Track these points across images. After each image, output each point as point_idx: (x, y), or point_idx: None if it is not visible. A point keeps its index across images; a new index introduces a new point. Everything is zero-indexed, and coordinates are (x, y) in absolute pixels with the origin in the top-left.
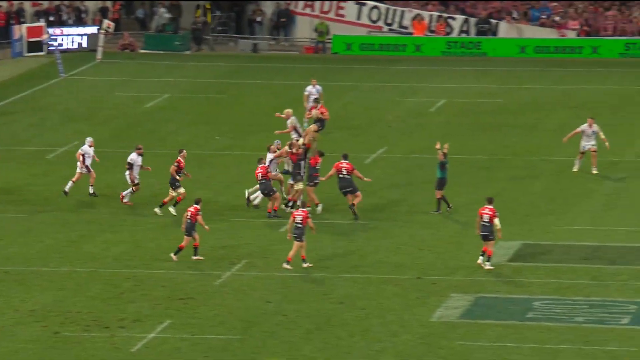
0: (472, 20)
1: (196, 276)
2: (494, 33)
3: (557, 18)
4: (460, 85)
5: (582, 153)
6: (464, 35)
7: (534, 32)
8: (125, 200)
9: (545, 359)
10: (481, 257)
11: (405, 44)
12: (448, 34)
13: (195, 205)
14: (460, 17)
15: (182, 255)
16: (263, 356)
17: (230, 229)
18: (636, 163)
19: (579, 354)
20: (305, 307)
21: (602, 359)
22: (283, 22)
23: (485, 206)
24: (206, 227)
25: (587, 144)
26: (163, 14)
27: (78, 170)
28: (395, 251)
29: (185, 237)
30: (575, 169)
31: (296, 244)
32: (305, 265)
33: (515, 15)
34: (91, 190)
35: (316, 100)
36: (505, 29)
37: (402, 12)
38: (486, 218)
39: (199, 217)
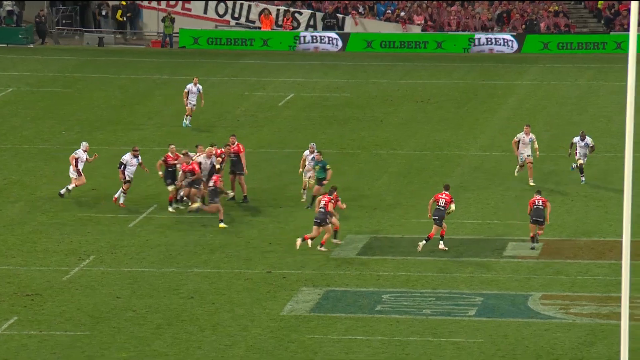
0: (319, 15)
1: (43, 272)
2: (341, 28)
3: (402, 13)
4: (308, 79)
5: (521, 166)
6: (311, 29)
7: (379, 27)
8: (120, 202)
9: (394, 351)
10: (423, 242)
11: (253, 38)
12: (295, 28)
13: (328, 196)
14: (307, 12)
15: (31, 250)
16: (112, 352)
17: (78, 224)
18: (481, 157)
19: (427, 345)
20: (155, 302)
21: (449, 350)
22: (129, 16)
23: (443, 191)
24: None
25: (524, 153)
26: (7, 6)
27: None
28: (245, 245)
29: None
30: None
31: (316, 228)
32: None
33: (361, 10)
34: (63, 190)
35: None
36: (351, 24)
37: (249, 6)
38: (442, 202)
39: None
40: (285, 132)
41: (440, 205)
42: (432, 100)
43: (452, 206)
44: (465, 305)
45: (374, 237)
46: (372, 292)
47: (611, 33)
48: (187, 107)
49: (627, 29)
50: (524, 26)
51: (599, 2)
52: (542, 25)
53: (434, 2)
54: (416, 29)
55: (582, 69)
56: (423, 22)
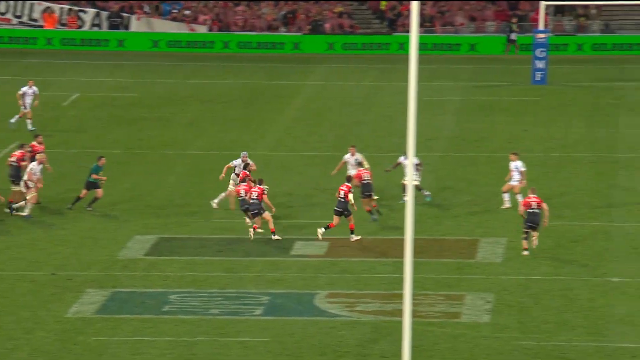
0: (104, 14)
1: None
2: (126, 27)
3: (187, 12)
4: (94, 79)
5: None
6: (95, 29)
7: (166, 26)
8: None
9: (182, 352)
10: (323, 229)
11: (36, 37)
12: (80, 27)
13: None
14: (91, 11)
15: None
16: None
17: None
18: (268, 156)
19: (214, 345)
20: None
21: (236, 350)
22: None
23: (345, 184)
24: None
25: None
26: None
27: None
28: (30, 247)
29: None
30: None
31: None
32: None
33: (146, 9)
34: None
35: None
36: (137, 23)
37: (32, 4)
38: (342, 194)
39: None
40: (71, 132)
41: (340, 197)
42: (219, 100)
43: (351, 197)
44: (252, 304)
45: (162, 238)
46: (160, 293)
47: (394, 34)
48: (22, 109)
49: (409, 30)
50: (309, 27)
51: (382, 3)
52: (326, 26)
53: (220, 2)
54: (202, 29)
55: (366, 69)
56: (209, 21)
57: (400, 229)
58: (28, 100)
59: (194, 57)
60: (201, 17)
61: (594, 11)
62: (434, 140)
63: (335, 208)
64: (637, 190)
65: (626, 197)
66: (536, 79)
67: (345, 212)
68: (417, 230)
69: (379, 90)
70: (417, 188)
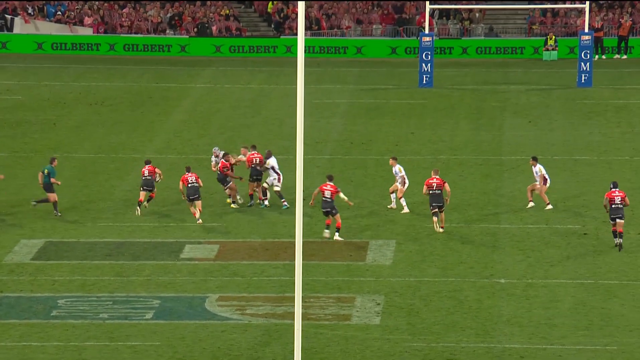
0: None
1: None
2: (10, 29)
3: (72, 14)
4: None
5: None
6: None
7: (50, 29)
8: None
9: (71, 357)
10: (326, 231)
11: None
12: None
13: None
14: None
15: None
16: None
17: None
18: (157, 159)
19: (104, 350)
20: None
21: (126, 354)
22: None
23: (327, 183)
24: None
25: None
26: None
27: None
28: None
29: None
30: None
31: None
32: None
33: (30, 11)
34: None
35: None
36: (20, 25)
37: None
38: (327, 194)
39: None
40: None
41: (326, 197)
42: (106, 103)
43: (342, 195)
44: (142, 308)
45: (49, 242)
46: (48, 298)
47: (281, 37)
48: None
49: (296, 33)
50: (195, 29)
51: (269, 5)
52: (214, 28)
53: (105, 4)
54: (87, 31)
55: (254, 72)
56: (94, 23)
57: (291, 231)
58: None
59: (79, 59)
60: (86, 19)
61: (477, 15)
62: (322, 143)
63: (322, 209)
64: (522, 192)
65: (511, 200)
66: (423, 82)
67: (333, 211)
68: (306, 232)
69: (267, 93)
70: (278, 194)
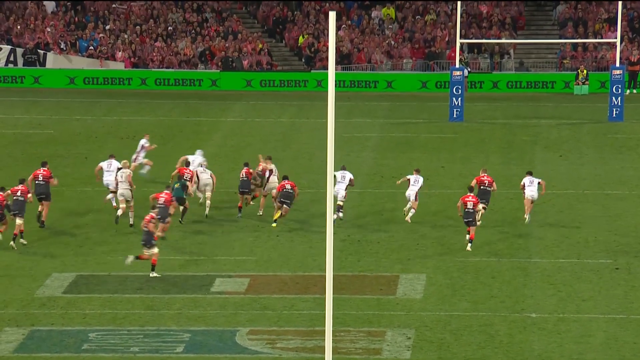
0: (20, 50)
1: None
2: (43, 64)
3: (104, 48)
4: (9, 115)
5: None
6: (11, 65)
7: (82, 63)
8: None
9: None
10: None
11: None
12: None
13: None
14: (6, 47)
15: None
16: None
17: None
18: None
19: None
20: None
21: None
22: None
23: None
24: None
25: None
26: None
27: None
28: None
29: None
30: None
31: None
32: None
33: (63, 46)
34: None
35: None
36: (53, 60)
37: None
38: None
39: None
40: None
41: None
42: (137, 137)
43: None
44: (173, 342)
45: (80, 275)
46: (79, 331)
47: (312, 71)
48: None
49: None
50: (222, 63)
51: (300, 39)
52: (244, 63)
53: (137, 39)
54: (119, 65)
55: (284, 106)
56: (127, 58)
57: (321, 265)
58: None
59: (110, 93)
60: (118, 54)
61: (508, 49)
62: (353, 177)
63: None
64: (553, 227)
65: (542, 233)
66: (454, 116)
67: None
68: (337, 266)
69: (298, 127)
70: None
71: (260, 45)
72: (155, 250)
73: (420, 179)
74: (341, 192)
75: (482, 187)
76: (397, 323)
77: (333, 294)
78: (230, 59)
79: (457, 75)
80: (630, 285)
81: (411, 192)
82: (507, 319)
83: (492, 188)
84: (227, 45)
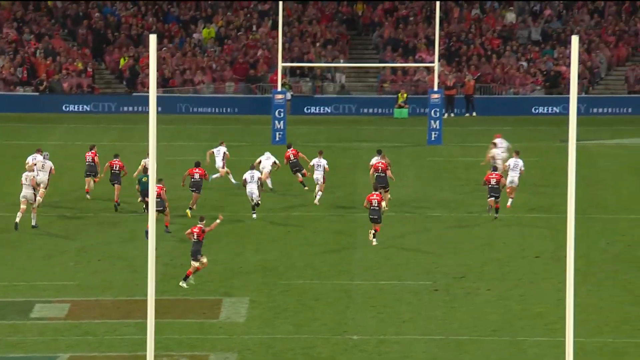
0: None
1: None
2: None
3: None
4: None
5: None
6: None
7: None
8: None
9: None
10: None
11: None
12: None
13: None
14: None
15: None
16: None
17: None
18: (5, 218)
19: None
20: None
21: None
22: None
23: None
24: None
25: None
26: None
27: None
28: None
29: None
30: None
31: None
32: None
33: None
34: None
35: None
36: None
37: None
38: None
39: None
40: None
41: (374, 206)
42: None
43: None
44: None
45: None
46: None
47: (133, 94)
48: None
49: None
50: (42, 85)
51: (121, 62)
52: (64, 85)
53: None
54: None
55: (107, 129)
56: None
57: (143, 289)
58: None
59: None
60: None
61: (329, 75)
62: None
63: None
64: (374, 247)
65: (364, 256)
66: (276, 139)
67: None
68: (159, 290)
69: (119, 150)
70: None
71: (80, 65)
72: (205, 260)
73: (323, 161)
74: (255, 191)
75: (377, 174)
76: (220, 347)
77: (155, 318)
78: (51, 81)
79: (280, 99)
80: (449, 306)
81: (318, 175)
82: (330, 342)
83: (387, 173)
84: (48, 67)
